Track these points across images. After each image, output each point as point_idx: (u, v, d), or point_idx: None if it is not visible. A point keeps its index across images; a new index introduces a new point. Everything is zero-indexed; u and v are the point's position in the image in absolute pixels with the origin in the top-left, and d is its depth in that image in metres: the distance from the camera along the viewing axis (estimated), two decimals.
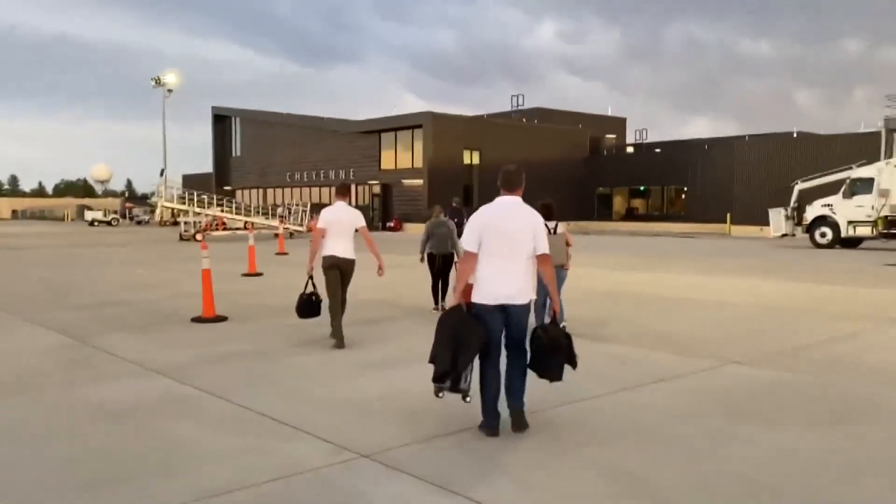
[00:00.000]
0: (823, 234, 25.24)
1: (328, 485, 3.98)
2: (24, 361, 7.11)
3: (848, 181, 25.10)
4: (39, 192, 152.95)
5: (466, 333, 4.60)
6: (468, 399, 4.75)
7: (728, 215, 38.93)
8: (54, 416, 5.30)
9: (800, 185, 26.85)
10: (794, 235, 26.45)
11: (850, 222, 24.65)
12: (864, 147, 32.11)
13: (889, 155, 25.26)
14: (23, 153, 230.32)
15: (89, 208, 68.53)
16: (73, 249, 25.55)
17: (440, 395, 4.71)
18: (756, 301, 11.26)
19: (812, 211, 25.59)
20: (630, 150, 56.38)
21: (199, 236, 29.59)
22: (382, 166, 46.79)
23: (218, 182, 59.53)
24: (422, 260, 10.45)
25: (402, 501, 3.77)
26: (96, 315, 9.98)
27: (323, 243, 7.77)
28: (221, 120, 61.33)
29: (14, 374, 6.60)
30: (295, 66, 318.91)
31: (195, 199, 35.56)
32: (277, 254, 21.68)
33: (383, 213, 46.03)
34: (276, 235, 26.76)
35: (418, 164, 44.17)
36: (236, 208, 38.42)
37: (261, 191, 56.21)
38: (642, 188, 49.85)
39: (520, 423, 4.78)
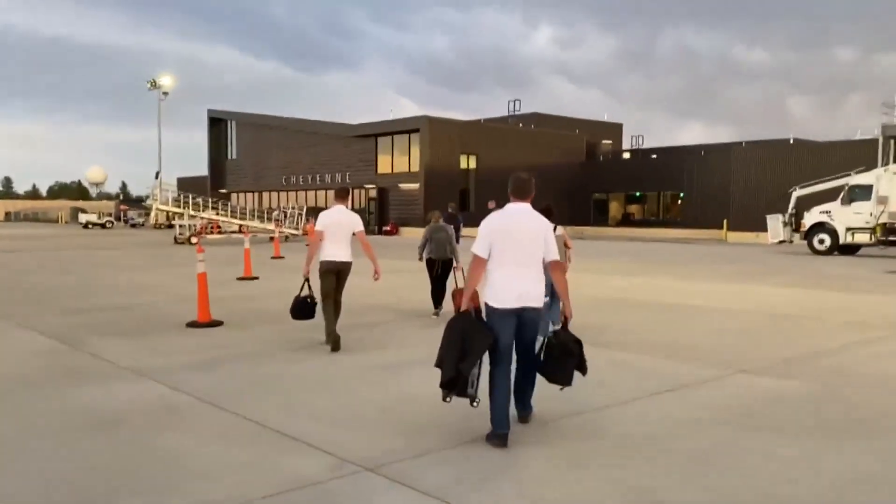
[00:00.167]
0: (822, 241, 25.17)
1: (331, 500, 3.80)
2: (12, 367, 6.88)
3: (846, 188, 25.06)
4: (33, 195, 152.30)
5: (474, 338, 4.56)
6: (476, 403, 4.63)
7: (725, 221, 38.89)
8: (42, 425, 5.08)
9: (798, 192, 26.81)
10: (791, 242, 26.41)
11: (848, 229, 24.59)
12: (861, 154, 32.17)
13: (887, 162, 25.25)
14: (17, 155, 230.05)
15: (84, 211, 68.22)
16: (66, 252, 25.30)
17: (447, 399, 4.62)
18: (760, 308, 11.11)
19: (810, 217, 25.54)
20: (626, 155, 56.39)
21: (194, 239, 29.37)
22: (379, 170, 46.66)
23: (213, 185, 59.31)
24: (420, 259, 10.49)
25: None
26: (89, 319, 9.77)
27: (321, 246, 7.75)
28: (217, 123, 61.04)
29: (1, 379, 6.37)
30: (290, 71, 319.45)
31: (190, 203, 35.36)
32: (273, 257, 21.54)
33: (380, 217, 45.91)
34: (272, 239, 26.59)
35: (415, 168, 44.07)
36: (231, 211, 38.20)
37: (256, 194, 55.94)
38: (638, 194, 49.82)
39: (525, 420, 5.02)
